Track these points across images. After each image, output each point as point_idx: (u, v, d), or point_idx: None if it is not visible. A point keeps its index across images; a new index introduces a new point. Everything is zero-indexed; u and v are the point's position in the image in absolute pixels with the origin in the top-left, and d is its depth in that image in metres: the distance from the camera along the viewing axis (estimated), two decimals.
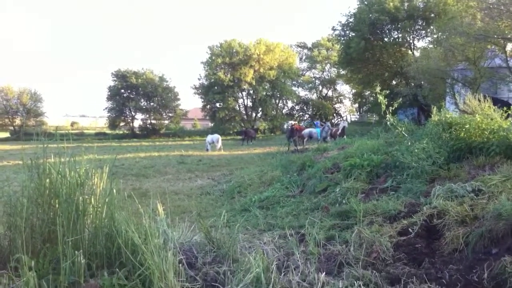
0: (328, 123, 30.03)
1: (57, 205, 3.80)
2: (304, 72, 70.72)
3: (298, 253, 4.09)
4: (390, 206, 5.71)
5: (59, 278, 3.27)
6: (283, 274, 3.70)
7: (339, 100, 71.58)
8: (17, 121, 69.33)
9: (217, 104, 59.85)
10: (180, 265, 3.51)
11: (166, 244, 3.62)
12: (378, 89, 9.40)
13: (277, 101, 64.01)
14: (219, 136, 32.76)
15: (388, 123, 9.34)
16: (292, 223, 6.34)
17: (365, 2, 39.35)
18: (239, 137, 55.35)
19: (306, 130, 28.15)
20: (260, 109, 61.58)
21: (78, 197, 3.81)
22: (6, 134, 67.95)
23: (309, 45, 70.86)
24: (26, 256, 3.14)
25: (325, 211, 6.91)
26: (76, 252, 3.31)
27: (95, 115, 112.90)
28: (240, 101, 63.10)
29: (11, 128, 69.00)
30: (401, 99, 14.82)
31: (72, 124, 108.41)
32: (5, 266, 3.27)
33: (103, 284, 3.31)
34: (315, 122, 30.00)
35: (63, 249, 3.37)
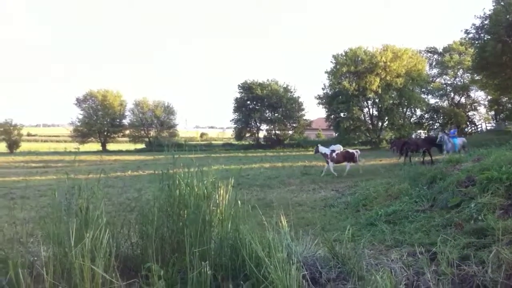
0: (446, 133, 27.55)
1: (185, 216, 3.91)
2: (435, 79, 67.33)
3: (429, 273, 3.81)
4: None
5: None
6: None
7: (473, 107, 67.02)
8: (152, 133, 74.28)
9: (342, 114, 59.17)
10: (304, 280, 3.42)
11: (290, 258, 3.54)
12: None
13: (404, 109, 61.78)
14: (340, 146, 32.28)
15: None
16: (422, 240, 5.98)
17: (502, 3, 36.67)
18: (364, 147, 54.10)
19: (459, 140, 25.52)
20: (386, 118, 59.84)
21: (204, 208, 3.89)
22: (141, 145, 73.23)
23: (440, 50, 67.49)
24: (156, 265, 3.25)
25: (459, 228, 6.45)
26: (202, 262, 3.37)
27: (222, 126, 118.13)
28: (365, 110, 61.90)
29: (146, 139, 74.11)
30: None
31: (202, 135, 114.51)
32: (137, 274, 3.42)
33: None
34: (451, 131, 27.39)
35: (190, 259, 3.46)
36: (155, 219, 3.87)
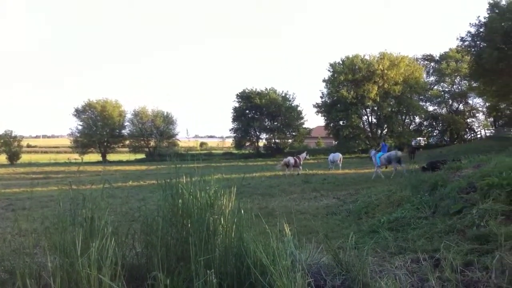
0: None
1: (189, 225, 3.93)
2: (432, 86, 67.53)
3: (434, 279, 3.82)
4: None
5: None
6: None
7: (471, 114, 67.14)
8: (152, 143, 74.25)
9: (341, 122, 59.45)
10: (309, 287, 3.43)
11: (294, 265, 3.55)
12: None
13: (403, 117, 62.03)
14: (340, 154, 32.68)
15: None
16: (425, 247, 5.98)
17: (496, 11, 36.88)
18: (364, 155, 54.12)
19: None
20: (385, 126, 60.05)
21: (208, 217, 3.91)
22: (142, 156, 73.16)
23: (437, 57, 67.75)
24: (162, 274, 3.26)
25: (461, 234, 6.45)
26: (208, 271, 3.38)
27: (222, 135, 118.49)
28: (364, 118, 62.22)
29: (146, 149, 74.08)
30: None
31: (201, 145, 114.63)
32: (142, 283, 3.43)
33: None
34: (382, 144, 27.06)
35: (195, 268, 3.47)
36: (159, 228, 3.88)
